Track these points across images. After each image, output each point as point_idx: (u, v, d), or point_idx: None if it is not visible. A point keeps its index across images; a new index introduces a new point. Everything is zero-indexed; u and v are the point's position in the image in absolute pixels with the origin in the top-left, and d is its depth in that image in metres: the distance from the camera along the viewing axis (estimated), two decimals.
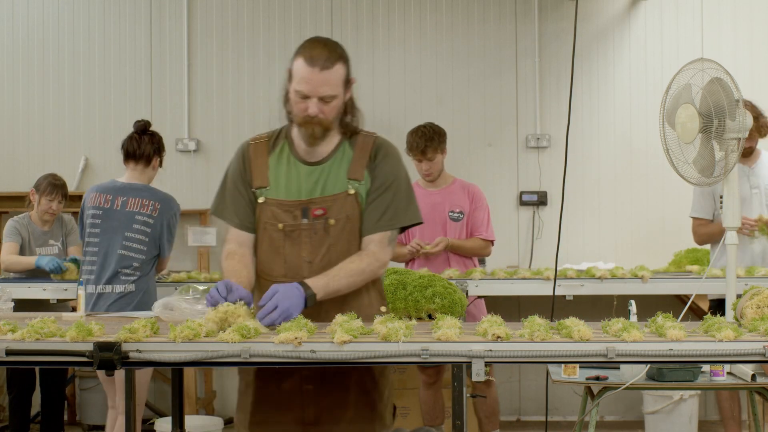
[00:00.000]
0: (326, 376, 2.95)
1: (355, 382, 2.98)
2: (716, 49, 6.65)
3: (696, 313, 5.46)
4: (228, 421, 6.75)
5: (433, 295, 3.33)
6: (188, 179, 7.02)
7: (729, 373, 3.95)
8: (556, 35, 6.91)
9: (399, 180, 3.04)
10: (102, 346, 2.61)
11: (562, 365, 4.11)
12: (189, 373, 6.26)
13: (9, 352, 2.66)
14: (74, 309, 6.16)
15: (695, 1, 6.89)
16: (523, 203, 6.89)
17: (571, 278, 5.22)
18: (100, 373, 4.70)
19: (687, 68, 4.07)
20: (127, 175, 4.83)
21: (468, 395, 3.17)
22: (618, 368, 4.11)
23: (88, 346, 2.64)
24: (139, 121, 4.84)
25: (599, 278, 5.21)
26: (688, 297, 4.93)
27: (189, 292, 3.63)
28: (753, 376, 3.82)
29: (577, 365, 4.11)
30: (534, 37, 6.93)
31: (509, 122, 6.97)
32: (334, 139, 3.05)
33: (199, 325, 2.75)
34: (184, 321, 2.77)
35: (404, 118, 7.02)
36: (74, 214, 6.87)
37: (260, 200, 3.05)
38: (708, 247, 5.57)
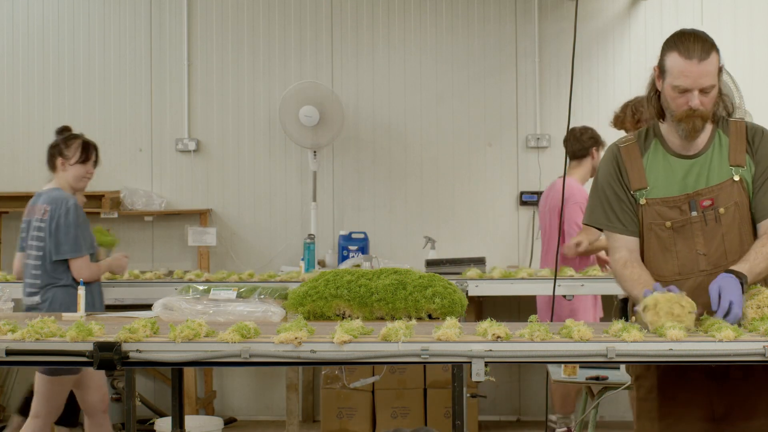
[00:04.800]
0: (732, 369, 2.91)
1: (763, 374, 2.93)
2: None
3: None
4: (228, 421, 6.76)
5: (433, 295, 3.32)
6: (188, 179, 7.02)
7: None
8: (556, 35, 6.91)
9: None
10: (102, 346, 2.62)
11: (562, 365, 4.11)
12: (189, 373, 6.27)
13: (9, 352, 2.66)
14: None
15: (695, 1, 6.89)
16: (523, 203, 6.89)
17: (571, 278, 5.20)
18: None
19: None
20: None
21: (468, 395, 3.17)
22: (618, 368, 4.11)
23: (88, 346, 2.64)
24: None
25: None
26: None
27: (189, 292, 3.63)
28: None
29: (577, 365, 4.11)
30: (534, 37, 6.93)
31: (509, 122, 6.97)
32: (707, 128, 3.02)
33: (199, 324, 2.74)
34: (184, 321, 2.77)
35: (404, 118, 7.02)
36: (85, 213, 6.86)
37: (641, 202, 3.02)
38: None
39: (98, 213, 6.74)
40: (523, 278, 5.28)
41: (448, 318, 2.79)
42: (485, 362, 2.57)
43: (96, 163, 4.91)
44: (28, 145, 7.12)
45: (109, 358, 2.60)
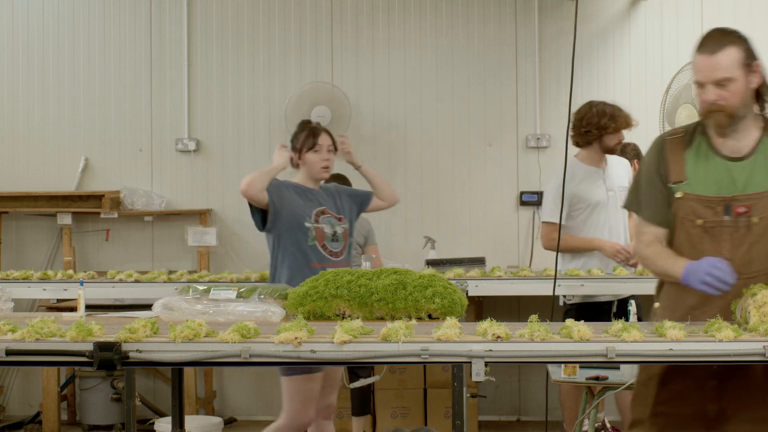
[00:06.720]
0: (732, 372, 2.89)
1: (762, 383, 2.90)
2: None
3: None
4: (228, 421, 6.76)
5: (433, 295, 3.32)
6: (188, 179, 7.01)
7: None
8: (556, 35, 6.91)
9: None
10: (102, 346, 2.62)
11: (562, 365, 4.11)
12: (189, 373, 6.27)
13: (9, 352, 2.66)
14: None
15: (695, 1, 6.89)
16: (523, 203, 6.89)
17: (571, 278, 5.20)
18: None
19: (687, 68, 4.08)
20: None
21: (468, 395, 3.17)
22: (618, 368, 4.11)
23: (88, 346, 2.64)
24: None
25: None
26: None
27: (189, 292, 3.64)
28: None
29: (577, 365, 4.11)
30: (534, 37, 6.93)
31: (509, 122, 6.97)
32: (753, 133, 2.99)
33: (199, 324, 2.75)
34: (184, 321, 2.77)
35: (404, 118, 7.02)
36: (85, 213, 6.88)
37: (678, 195, 3.00)
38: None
39: (98, 213, 6.75)
40: (523, 278, 5.27)
41: (448, 318, 2.79)
42: (485, 362, 2.57)
43: (333, 148, 4.49)
44: (28, 145, 7.12)
45: (109, 358, 2.60)
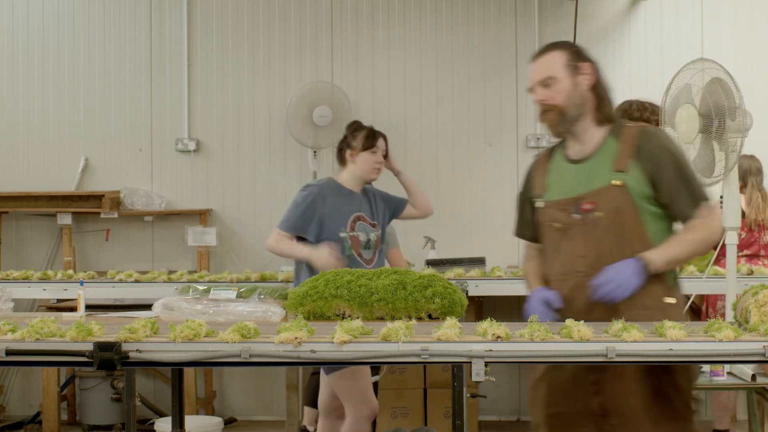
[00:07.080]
0: (608, 366, 2.95)
1: (642, 374, 2.96)
2: (716, 49, 6.65)
3: (696, 313, 5.45)
4: (228, 421, 6.76)
5: (433, 295, 3.32)
6: (188, 179, 7.02)
7: (729, 373, 3.95)
8: (556, 35, 6.90)
9: (673, 154, 3.06)
10: (102, 346, 2.62)
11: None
12: (189, 373, 6.27)
13: (9, 352, 2.66)
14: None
15: (695, 1, 6.89)
16: None
17: None
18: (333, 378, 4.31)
19: (687, 68, 4.07)
20: None
21: (468, 395, 3.17)
22: None
23: (88, 346, 2.64)
24: None
25: None
26: (687, 297, 4.92)
27: (189, 292, 3.64)
28: (753, 376, 3.82)
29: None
30: (534, 37, 6.93)
31: (509, 122, 6.97)
32: (597, 135, 3.10)
33: (199, 324, 2.75)
34: (184, 321, 2.77)
35: (404, 118, 7.02)
36: (85, 213, 6.89)
37: (540, 205, 3.15)
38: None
39: (98, 213, 6.75)
40: (523, 278, 5.26)
41: (448, 318, 2.79)
42: (485, 362, 2.58)
43: (386, 154, 4.57)
44: (28, 145, 7.12)
45: (109, 358, 2.60)
